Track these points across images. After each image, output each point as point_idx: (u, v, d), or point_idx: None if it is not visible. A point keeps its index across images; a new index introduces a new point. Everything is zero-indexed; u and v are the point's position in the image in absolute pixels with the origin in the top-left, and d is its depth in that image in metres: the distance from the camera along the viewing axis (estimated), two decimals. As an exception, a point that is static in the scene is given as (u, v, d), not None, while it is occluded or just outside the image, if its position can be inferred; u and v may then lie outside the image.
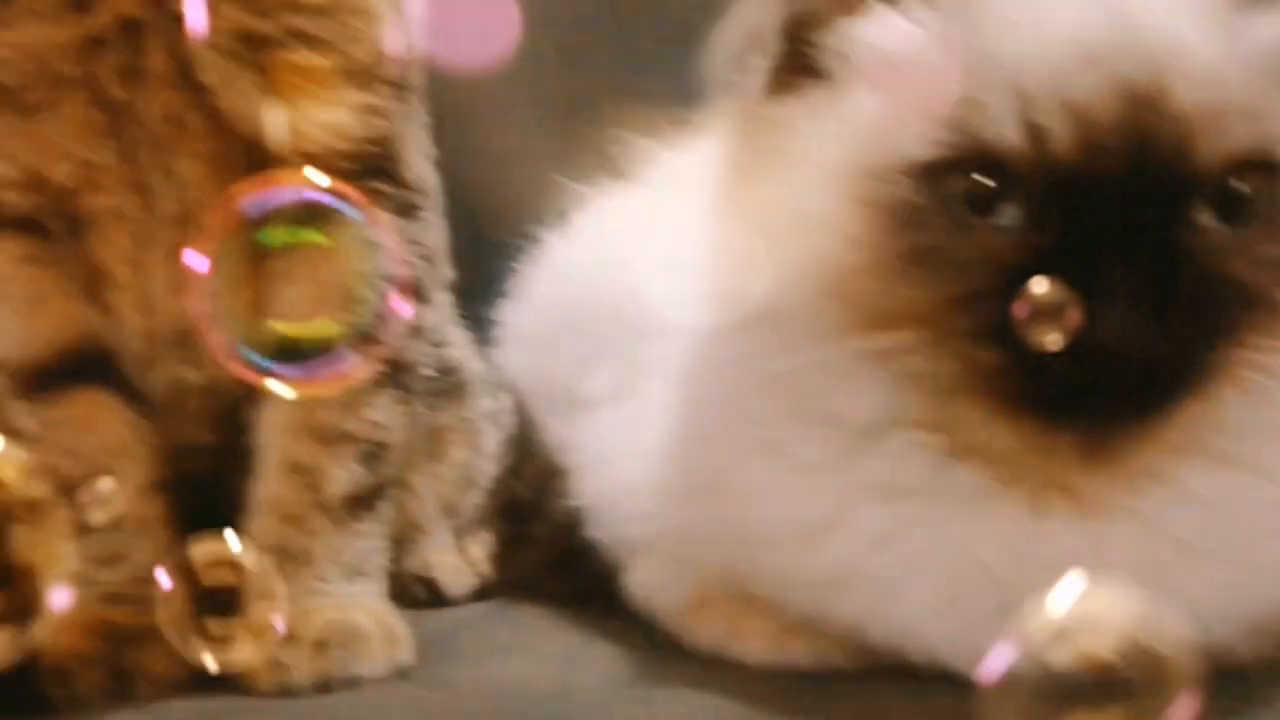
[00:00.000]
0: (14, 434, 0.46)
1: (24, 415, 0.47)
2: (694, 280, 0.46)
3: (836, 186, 0.38)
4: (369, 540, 0.48)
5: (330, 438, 0.47)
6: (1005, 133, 0.36)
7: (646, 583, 0.47)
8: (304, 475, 0.47)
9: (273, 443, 0.48)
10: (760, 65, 0.40)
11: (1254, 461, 0.39)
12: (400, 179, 0.48)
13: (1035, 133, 0.36)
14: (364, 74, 0.46)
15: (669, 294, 0.48)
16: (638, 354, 0.49)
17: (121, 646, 0.45)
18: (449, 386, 0.52)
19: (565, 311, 0.57)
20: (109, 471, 0.46)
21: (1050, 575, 0.30)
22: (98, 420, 0.48)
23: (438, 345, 0.54)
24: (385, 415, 0.48)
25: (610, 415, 0.49)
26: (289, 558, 0.46)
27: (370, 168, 0.46)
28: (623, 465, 0.47)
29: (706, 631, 0.45)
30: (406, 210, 0.48)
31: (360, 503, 0.47)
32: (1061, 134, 0.36)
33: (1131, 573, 0.31)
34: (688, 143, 0.56)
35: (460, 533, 0.56)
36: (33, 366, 0.47)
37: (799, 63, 0.40)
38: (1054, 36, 0.37)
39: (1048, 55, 0.37)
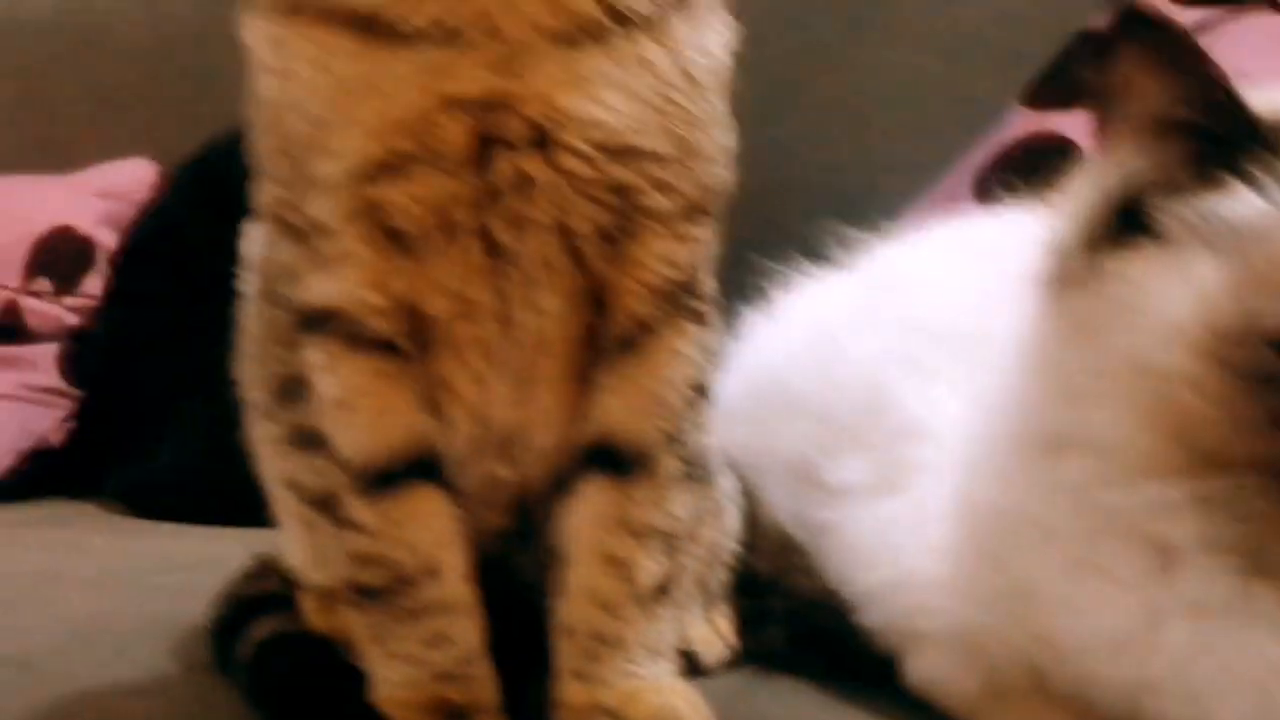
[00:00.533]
0: (352, 527, 0.50)
1: (362, 510, 0.50)
2: (951, 387, 0.51)
3: (1186, 344, 0.42)
4: (667, 623, 0.52)
5: (643, 532, 0.51)
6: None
7: (931, 672, 0.52)
8: (619, 567, 0.50)
9: (586, 535, 0.51)
10: (1102, 223, 0.44)
11: None
12: (701, 293, 0.52)
13: None
14: (699, 210, 0.50)
15: (922, 397, 0.53)
16: (898, 452, 0.53)
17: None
18: (703, 470, 0.56)
19: (786, 393, 0.61)
20: (437, 560, 0.50)
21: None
22: (427, 514, 0.51)
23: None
24: (682, 508, 0.52)
25: (876, 509, 0.54)
26: (604, 643, 0.50)
27: (687, 289, 0.51)
28: (902, 560, 0.52)
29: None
30: (701, 319, 0.52)
31: (662, 589, 0.51)
32: None
33: None
34: (907, 241, 0.60)
35: (707, 607, 0.60)
36: (373, 468, 0.50)
37: (1145, 224, 0.44)
38: None
39: None
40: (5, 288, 1.36)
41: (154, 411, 1.23)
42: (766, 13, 1.16)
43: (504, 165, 0.47)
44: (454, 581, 0.51)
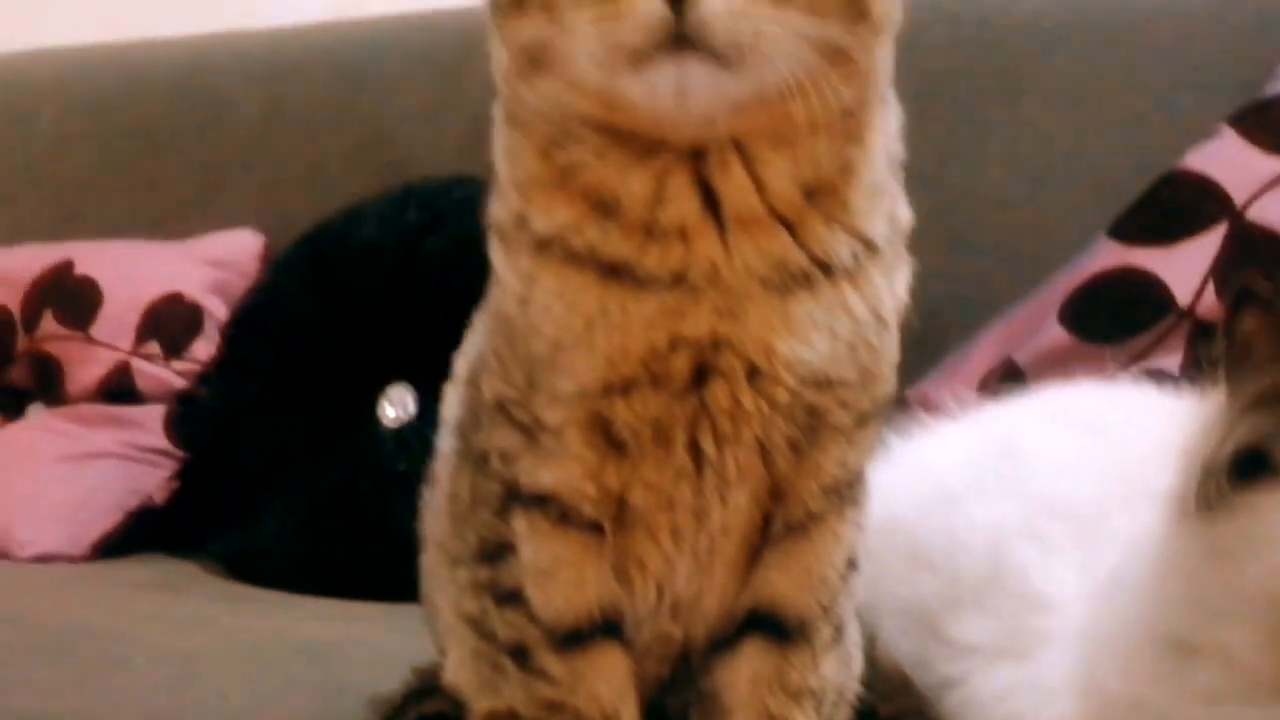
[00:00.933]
0: (542, 677, 0.56)
1: (553, 663, 0.56)
2: (1071, 563, 0.56)
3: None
4: None
5: (799, 693, 0.56)
6: None
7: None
8: None
9: (746, 692, 0.57)
10: (1232, 461, 0.49)
11: None
12: (862, 482, 0.58)
13: None
14: (871, 419, 0.57)
15: (1043, 570, 0.58)
16: (1021, 620, 0.58)
17: None
18: (843, 627, 0.61)
19: (911, 543, 0.66)
20: (617, 710, 0.56)
21: None
22: (610, 669, 0.57)
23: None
24: (831, 669, 0.57)
25: (999, 672, 0.59)
26: None
27: (852, 483, 0.57)
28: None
29: None
30: (859, 503, 0.58)
31: None
32: None
33: None
34: (1023, 404, 0.66)
35: None
36: (566, 628, 0.56)
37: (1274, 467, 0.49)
38: None
39: None
40: (118, 350, 1.44)
41: (258, 480, 1.29)
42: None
43: (718, 392, 0.53)
44: None
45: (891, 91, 0.57)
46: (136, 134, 1.60)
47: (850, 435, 0.56)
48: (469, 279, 1.31)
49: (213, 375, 1.40)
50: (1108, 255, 1.05)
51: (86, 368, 1.43)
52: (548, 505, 0.56)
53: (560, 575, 0.56)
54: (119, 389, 1.42)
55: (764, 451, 0.55)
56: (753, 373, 0.53)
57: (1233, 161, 1.02)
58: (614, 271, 0.52)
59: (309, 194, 1.50)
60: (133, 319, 1.44)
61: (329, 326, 1.32)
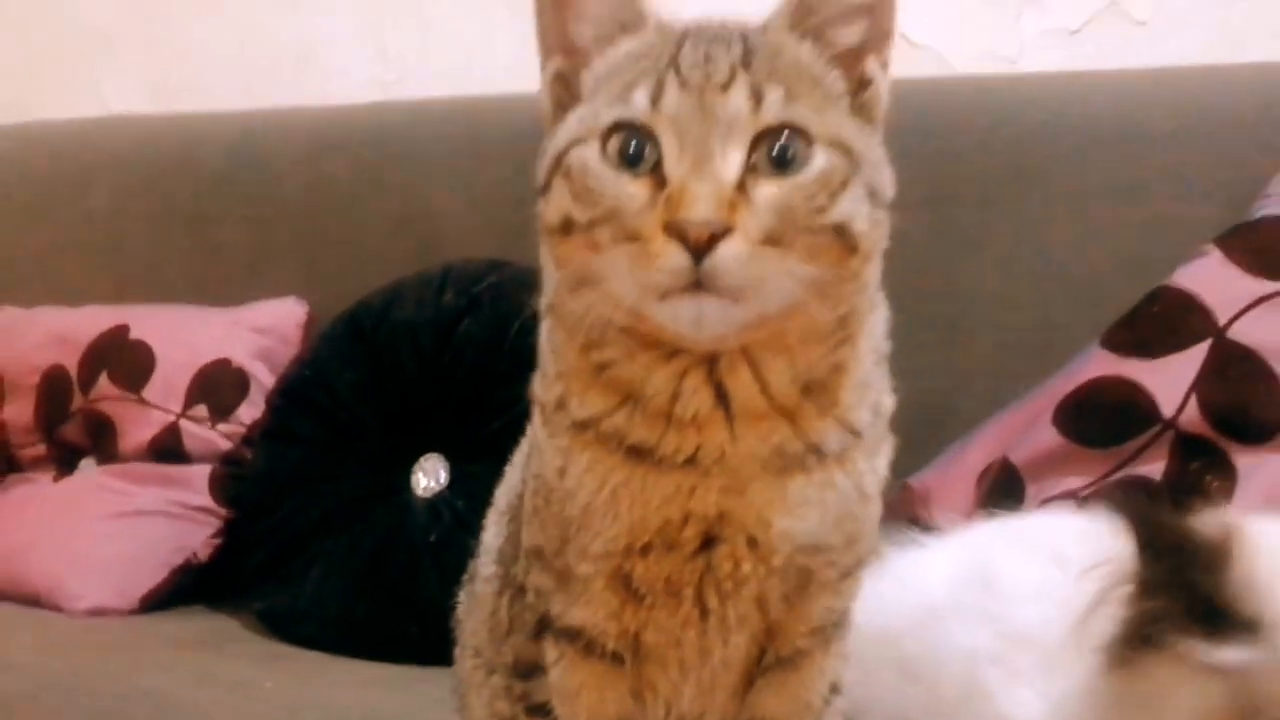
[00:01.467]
0: None
1: None
2: (1035, 690, 0.63)
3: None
4: None
5: None
6: None
7: None
8: None
9: None
10: (1134, 632, 0.57)
11: None
12: (846, 621, 0.66)
13: None
14: (854, 571, 0.65)
15: (1010, 696, 0.65)
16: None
17: None
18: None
19: (898, 655, 0.74)
20: None
21: None
22: None
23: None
24: None
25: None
26: None
27: (837, 623, 0.66)
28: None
29: None
30: (844, 634, 0.66)
31: None
32: None
33: None
34: (1008, 528, 0.73)
35: None
36: None
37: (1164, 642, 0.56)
38: None
39: None
40: (169, 412, 1.52)
41: (297, 542, 1.37)
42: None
43: (722, 557, 0.62)
44: None
45: (880, 294, 0.64)
46: (189, 204, 1.69)
47: (835, 587, 0.64)
48: (499, 361, 1.40)
49: (257, 440, 1.48)
50: (1100, 364, 1.12)
51: (138, 428, 1.52)
52: (576, 638, 0.64)
53: (585, 696, 0.64)
54: (168, 449, 1.50)
55: (760, 603, 0.63)
56: (752, 542, 0.61)
57: (1217, 281, 1.09)
58: (638, 453, 0.61)
59: (351, 266, 1.59)
60: (183, 383, 1.53)
61: (368, 399, 1.40)
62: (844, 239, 0.57)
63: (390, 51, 1.80)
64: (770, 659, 0.65)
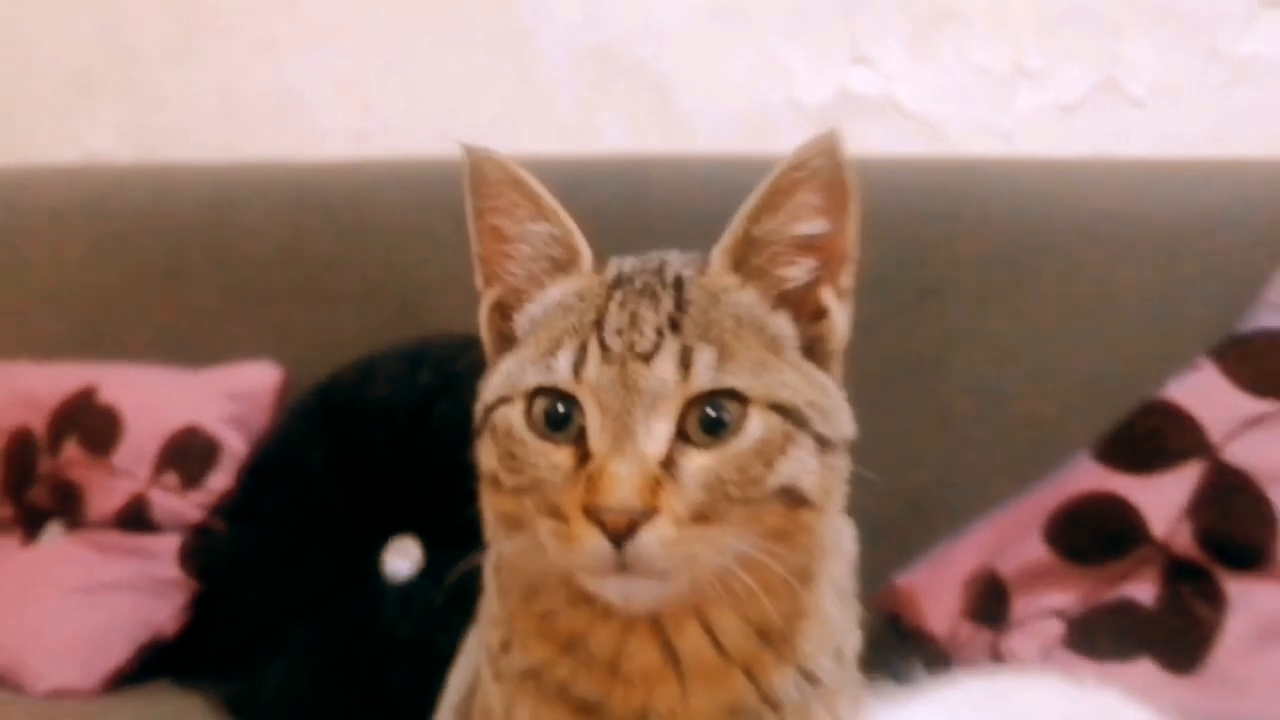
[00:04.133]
0: None
1: None
2: None
3: None
4: None
5: None
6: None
7: None
8: None
9: None
10: None
11: None
12: None
13: None
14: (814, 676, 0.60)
15: None
16: None
17: None
18: None
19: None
20: None
21: None
22: None
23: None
24: None
25: None
26: None
27: None
28: None
29: None
30: None
31: None
32: None
33: None
34: (987, 690, 0.70)
35: None
36: None
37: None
38: None
39: None
40: (137, 478, 1.48)
41: (267, 629, 1.34)
42: (879, 317, 1.30)
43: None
44: None
45: (845, 521, 0.61)
46: (163, 258, 1.65)
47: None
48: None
49: (227, 515, 1.44)
50: (1090, 477, 1.10)
51: (105, 495, 1.48)
52: None
53: None
54: (136, 517, 1.46)
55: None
56: None
57: (1211, 397, 1.07)
58: (584, 709, 0.57)
59: (326, 327, 1.55)
60: (152, 449, 1.49)
61: (339, 478, 1.37)
62: (791, 499, 0.54)
63: (372, 106, 1.76)
64: None
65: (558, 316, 0.57)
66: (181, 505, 1.47)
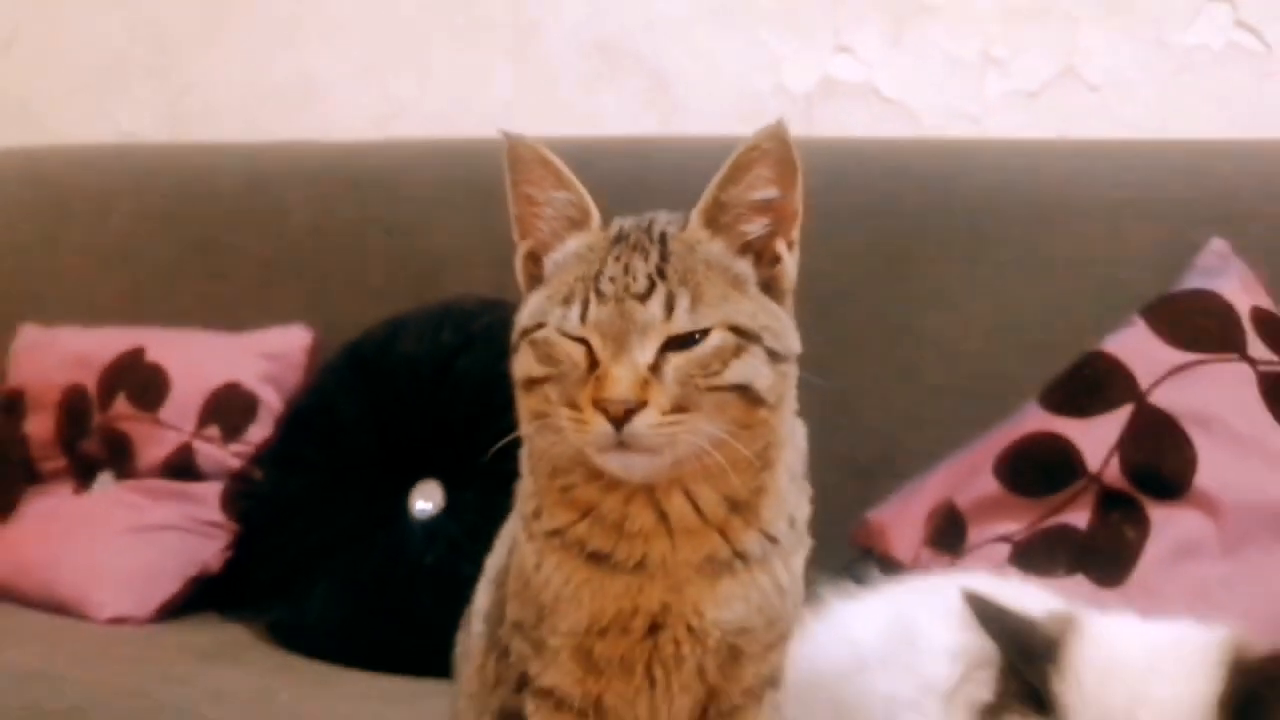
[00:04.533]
0: None
1: None
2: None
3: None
4: None
5: None
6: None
7: None
8: None
9: None
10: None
11: None
12: (779, 680, 0.79)
13: None
14: (777, 645, 0.78)
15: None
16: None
17: None
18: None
19: (832, 696, 0.86)
20: None
21: None
22: None
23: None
24: None
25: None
26: None
27: (768, 683, 0.79)
28: None
29: None
30: (777, 690, 0.79)
31: None
32: None
33: None
34: (929, 586, 0.85)
35: None
36: None
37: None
38: None
39: None
40: (182, 431, 1.63)
41: (304, 560, 1.48)
42: (856, 283, 1.44)
43: (666, 640, 0.75)
44: None
45: (797, 425, 0.77)
46: (202, 231, 1.79)
47: (762, 657, 0.78)
48: (493, 395, 1.52)
49: (266, 463, 1.59)
50: (1036, 420, 1.24)
51: (153, 446, 1.63)
52: (549, 696, 0.78)
53: None
54: (182, 466, 1.61)
55: (699, 674, 0.76)
56: (690, 629, 0.75)
57: (1141, 350, 1.21)
58: (596, 558, 0.74)
59: (354, 295, 1.70)
60: (196, 404, 1.63)
61: (369, 427, 1.51)
62: (748, 396, 0.71)
63: (391, 91, 1.90)
64: (713, 714, 0.77)
65: (573, 263, 0.73)
66: (223, 455, 1.62)
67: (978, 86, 1.63)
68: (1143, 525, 1.13)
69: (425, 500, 1.48)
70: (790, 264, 0.75)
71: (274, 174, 1.79)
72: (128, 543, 1.56)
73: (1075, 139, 1.52)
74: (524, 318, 0.74)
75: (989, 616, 0.71)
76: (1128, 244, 1.38)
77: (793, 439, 0.78)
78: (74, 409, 1.69)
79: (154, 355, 1.68)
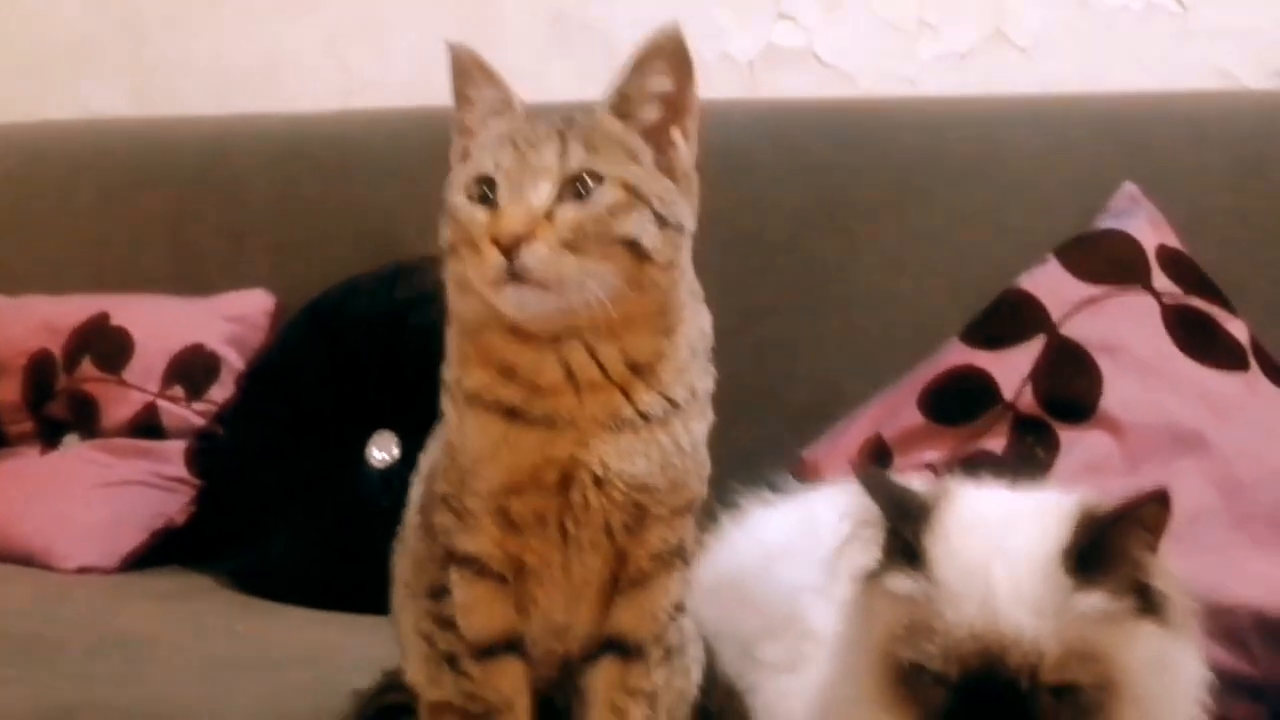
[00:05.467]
0: (466, 676, 0.82)
1: (473, 668, 0.83)
2: (835, 607, 0.81)
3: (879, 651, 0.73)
4: None
5: (635, 693, 0.83)
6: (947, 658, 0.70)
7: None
8: (617, 711, 0.83)
9: (600, 691, 0.84)
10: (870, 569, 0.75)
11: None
12: (686, 551, 0.85)
13: (960, 661, 0.69)
14: (682, 511, 0.84)
15: (819, 613, 0.83)
16: (800, 647, 0.84)
17: None
18: (678, 649, 0.87)
19: (741, 590, 0.92)
20: (513, 700, 0.82)
21: None
22: (511, 672, 0.84)
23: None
24: (661, 679, 0.84)
25: (784, 682, 0.84)
26: None
27: (676, 551, 0.85)
28: (790, 715, 0.82)
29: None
30: (686, 563, 0.85)
31: None
32: (971, 664, 0.69)
33: None
34: (831, 491, 0.91)
35: None
36: (483, 643, 0.83)
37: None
38: (969, 615, 0.69)
39: (970, 623, 0.69)
40: (147, 392, 1.68)
41: (266, 508, 1.54)
42: (795, 234, 1.51)
43: (576, 493, 0.81)
44: (522, 713, 0.84)
45: (702, 306, 0.83)
46: (167, 203, 1.84)
47: (668, 522, 0.83)
48: (443, 348, 1.58)
49: (228, 417, 1.64)
50: (957, 354, 1.31)
51: (119, 406, 1.67)
52: (470, 564, 0.83)
53: (478, 610, 0.83)
54: (147, 425, 1.66)
55: (608, 531, 0.82)
56: (597, 482, 0.80)
57: (1053, 285, 1.28)
58: (512, 414, 0.80)
59: (315, 261, 1.75)
60: (160, 366, 1.68)
61: (328, 382, 1.57)
62: (636, 251, 0.77)
63: (352, 65, 1.96)
64: (624, 581, 0.83)
65: (493, 140, 0.80)
66: (187, 414, 1.66)
67: (911, 50, 1.70)
68: (1053, 446, 1.20)
69: (381, 450, 1.53)
70: (685, 151, 0.81)
71: (237, 146, 1.84)
72: (93, 497, 1.61)
73: (999, 94, 1.59)
74: (449, 190, 0.80)
75: (873, 482, 0.77)
76: (1048, 192, 1.45)
77: (696, 319, 0.84)
78: (40, 373, 1.73)
79: (118, 319, 1.73)
